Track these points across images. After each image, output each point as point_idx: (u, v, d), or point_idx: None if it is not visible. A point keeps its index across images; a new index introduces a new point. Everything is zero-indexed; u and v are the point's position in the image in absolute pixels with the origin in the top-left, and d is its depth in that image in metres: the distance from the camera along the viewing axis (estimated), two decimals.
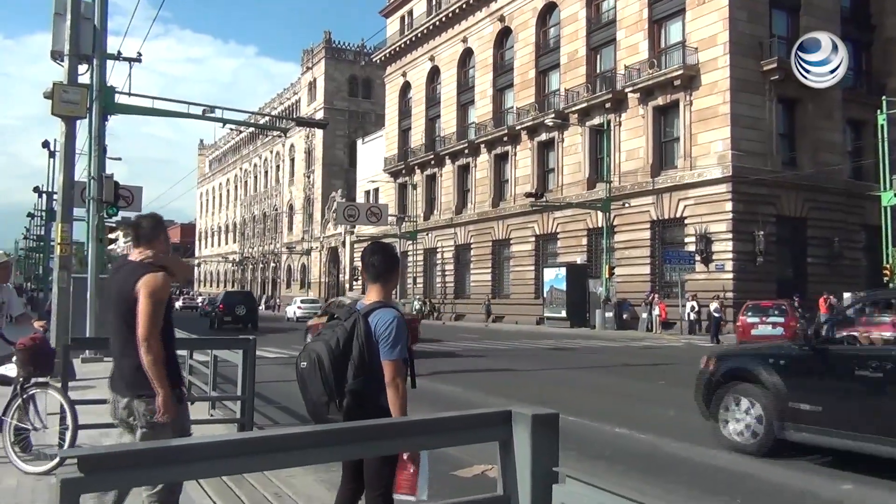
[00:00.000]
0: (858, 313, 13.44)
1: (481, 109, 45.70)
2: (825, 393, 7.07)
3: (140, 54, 17.74)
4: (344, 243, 62.74)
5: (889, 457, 6.50)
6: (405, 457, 3.29)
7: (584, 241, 36.53)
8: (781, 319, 21.62)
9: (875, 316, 15.44)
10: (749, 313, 22.73)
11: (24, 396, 5.85)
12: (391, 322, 3.43)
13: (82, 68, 14.54)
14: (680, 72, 31.04)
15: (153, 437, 3.82)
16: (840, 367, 7.08)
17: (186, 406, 4.05)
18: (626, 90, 33.78)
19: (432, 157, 49.42)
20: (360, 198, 60.05)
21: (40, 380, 5.91)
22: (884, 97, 26.99)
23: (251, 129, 64.50)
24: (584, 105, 36.07)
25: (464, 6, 46.71)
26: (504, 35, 44.71)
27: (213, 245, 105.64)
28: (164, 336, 3.82)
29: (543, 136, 39.65)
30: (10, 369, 6.03)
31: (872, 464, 7.17)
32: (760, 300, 24.19)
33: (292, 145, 77.00)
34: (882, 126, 26.47)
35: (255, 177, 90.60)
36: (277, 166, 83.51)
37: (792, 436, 7.22)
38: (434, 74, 51.59)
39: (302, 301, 46.96)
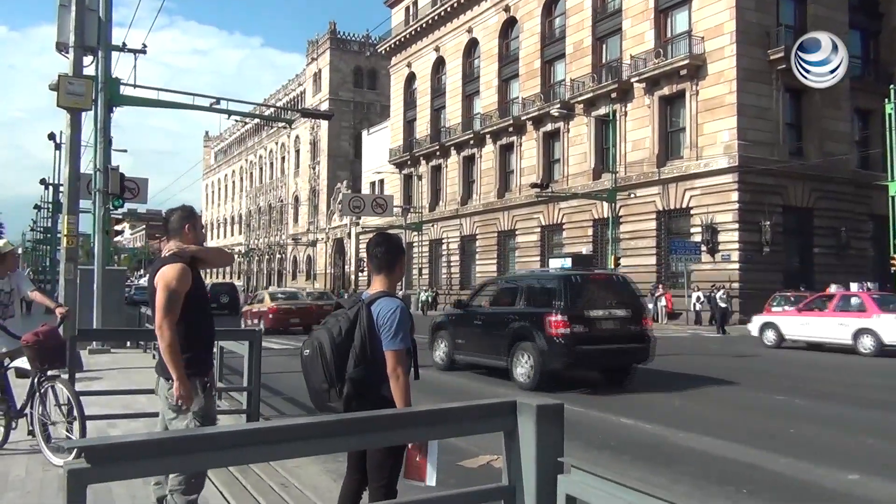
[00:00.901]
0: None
1: (486, 100, 45.57)
2: (466, 333, 13.24)
3: (145, 46, 17.78)
4: (349, 234, 62.79)
5: (486, 365, 12.56)
6: (410, 445, 3.30)
7: (590, 231, 36.47)
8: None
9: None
10: (774, 303, 23.69)
11: (41, 391, 5.88)
12: (393, 311, 3.43)
13: (87, 60, 14.55)
14: (686, 61, 30.87)
15: (177, 421, 3.93)
16: (470, 319, 13.28)
17: (213, 395, 4.12)
18: (632, 80, 33.63)
19: (437, 147, 49.35)
20: (365, 189, 60.03)
21: (51, 373, 5.93)
22: (892, 86, 26.79)
23: (256, 121, 64.54)
24: (590, 95, 35.94)
25: None
26: (509, 25, 44.53)
27: (218, 237, 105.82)
28: (190, 325, 3.92)
29: (549, 127, 39.53)
30: (26, 361, 6.06)
31: (877, 457, 7.19)
32: (787, 291, 25.21)
33: (297, 137, 76.96)
34: (890, 115, 26.29)
35: (261, 168, 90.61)
36: (283, 158, 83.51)
37: (457, 357, 13.33)
38: (439, 65, 51.45)
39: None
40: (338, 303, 3.79)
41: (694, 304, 28.66)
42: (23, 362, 6.16)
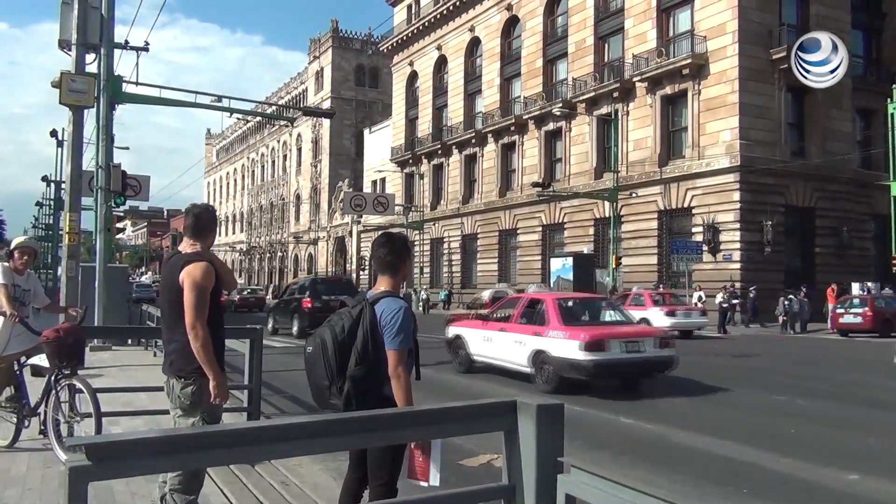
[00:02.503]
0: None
1: (488, 99, 45.55)
2: (279, 311, 23.91)
3: (147, 43, 17.75)
4: (351, 233, 62.77)
5: (284, 327, 23.03)
6: (413, 445, 3.30)
7: (591, 230, 36.45)
8: (861, 310, 23.94)
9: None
10: (838, 306, 25.53)
11: (58, 388, 5.81)
12: (397, 312, 3.44)
13: (90, 57, 14.58)
14: (688, 61, 30.84)
15: (186, 420, 3.92)
16: (280, 304, 24.51)
17: None
18: (634, 79, 33.59)
19: (439, 146, 49.32)
20: (367, 187, 60.01)
21: (67, 371, 5.87)
22: (894, 86, 26.74)
23: (258, 119, 64.54)
24: (592, 94, 35.91)
25: None
26: (511, 24, 44.49)
27: (220, 234, 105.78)
28: (210, 324, 3.88)
29: (551, 126, 39.50)
30: (44, 359, 6.02)
31: (877, 457, 7.18)
32: (850, 293, 26.62)
33: (299, 135, 76.95)
34: (892, 115, 26.24)
35: (263, 166, 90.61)
36: (284, 156, 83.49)
37: (277, 327, 23.45)
38: (441, 63, 51.42)
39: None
40: (342, 301, 3.80)
41: (695, 304, 28.60)
42: (40, 360, 6.12)
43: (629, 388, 11.28)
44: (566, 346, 10.45)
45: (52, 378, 5.85)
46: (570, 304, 12.50)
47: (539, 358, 10.94)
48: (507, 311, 12.87)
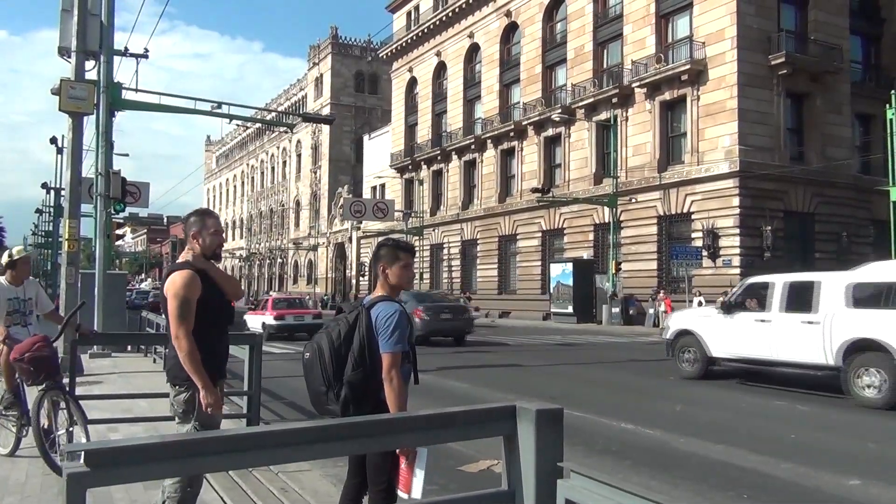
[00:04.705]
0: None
1: (488, 105, 45.61)
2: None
3: (147, 50, 17.83)
4: (350, 239, 62.80)
5: None
6: (397, 452, 3.28)
7: (591, 236, 36.46)
8: None
9: None
10: None
11: (48, 401, 5.78)
12: (391, 315, 3.43)
13: (89, 64, 14.59)
14: (687, 66, 30.89)
15: (182, 427, 3.92)
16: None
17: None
18: (633, 85, 33.65)
19: (438, 152, 49.37)
20: (366, 193, 60.06)
21: (47, 384, 5.79)
22: (893, 91, 26.76)
23: (258, 125, 64.60)
24: (591, 100, 35.96)
25: (470, 1, 46.60)
26: (511, 30, 44.59)
27: None
28: (202, 331, 3.82)
29: (550, 132, 39.55)
30: None
31: (878, 462, 7.17)
32: None
33: (299, 141, 77.04)
34: (891, 120, 26.25)
35: (262, 173, 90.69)
36: (284, 162, 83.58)
37: None
38: (440, 70, 51.51)
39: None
40: (339, 307, 3.80)
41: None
42: None
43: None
44: (271, 318, 24.39)
45: (43, 391, 5.84)
46: (280, 300, 27.67)
47: (263, 325, 24.02)
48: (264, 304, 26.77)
